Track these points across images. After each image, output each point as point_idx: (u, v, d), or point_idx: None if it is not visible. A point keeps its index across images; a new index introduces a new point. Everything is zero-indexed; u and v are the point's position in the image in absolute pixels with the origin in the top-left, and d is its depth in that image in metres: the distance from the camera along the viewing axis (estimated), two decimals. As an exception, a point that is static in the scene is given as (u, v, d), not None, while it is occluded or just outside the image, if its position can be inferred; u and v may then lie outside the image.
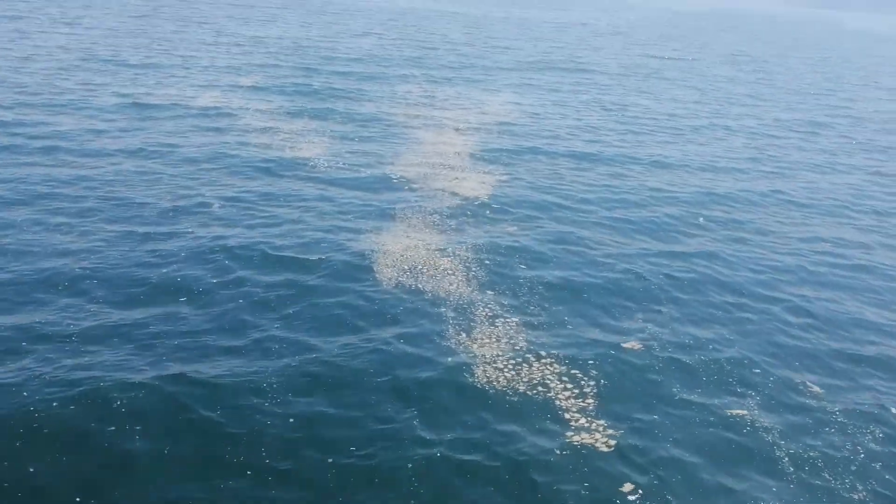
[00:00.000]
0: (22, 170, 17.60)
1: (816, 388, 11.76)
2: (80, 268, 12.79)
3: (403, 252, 14.90)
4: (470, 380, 10.72)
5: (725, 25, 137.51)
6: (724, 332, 13.26)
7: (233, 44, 45.25)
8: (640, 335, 12.72)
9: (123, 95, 26.81)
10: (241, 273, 13.31)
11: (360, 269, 14.08)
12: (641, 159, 24.77)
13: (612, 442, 9.71)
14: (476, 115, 29.50)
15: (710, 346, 12.63)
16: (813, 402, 11.40)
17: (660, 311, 13.72)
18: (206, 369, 10.23)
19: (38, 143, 19.77)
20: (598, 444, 9.65)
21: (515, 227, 17.31)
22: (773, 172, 24.57)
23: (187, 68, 34.40)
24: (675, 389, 11.26)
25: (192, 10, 66.02)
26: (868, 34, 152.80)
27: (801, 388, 11.76)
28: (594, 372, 11.31)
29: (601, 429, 9.98)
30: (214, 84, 30.89)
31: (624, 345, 12.30)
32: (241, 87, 31.00)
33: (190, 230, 14.99)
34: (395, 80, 36.99)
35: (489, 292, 13.60)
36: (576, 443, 9.64)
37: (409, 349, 11.33)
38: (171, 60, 36.17)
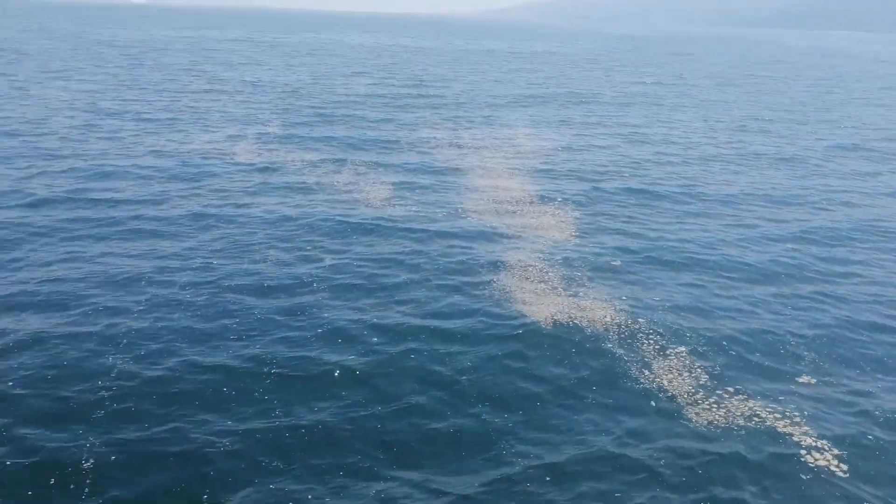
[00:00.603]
0: (118, 244, 16.52)
1: None
2: (243, 352, 11.91)
3: (548, 307, 14.34)
4: (690, 436, 10.32)
5: (680, 50, 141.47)
6: (891, 377, 13.05)
7: (232, 90, 44.45)
8: (813, 376, 12.55)
9: (158, 153, 25.82)
10: (391, 349, 12.50)
11: (512, 328, 13.45)
12: (700, 193, 24.70)
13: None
14: (512, 155, 29.20)
15: (885, 390, 12.42)
16: None
17: (819, 353, 13.44)
18: (445, 477, 9.46)
19: (104, 214, 18.68)
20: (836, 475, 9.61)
21: (619, 262, 17.38)
22: (831, 200, 24.73)
23: (204, 119, 33.48)
24: (874, 428, 11.17)
25: (172, 58, 64.98)
26: (816, 50, 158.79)
27: None
28: (792, 405, 11.51)
29: (835, 462, 10.17)
30: (242, 135, 30.02)
31: (798, 379, 12.45)
32: (270, 136, 30.20)
33: (319, 304, 14.11)
34: (414, 122, 36.57)
35: (644, 333, 13.38)
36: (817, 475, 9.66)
37: (628, 419, 10.81)
38: (182, 111, 35.25)
